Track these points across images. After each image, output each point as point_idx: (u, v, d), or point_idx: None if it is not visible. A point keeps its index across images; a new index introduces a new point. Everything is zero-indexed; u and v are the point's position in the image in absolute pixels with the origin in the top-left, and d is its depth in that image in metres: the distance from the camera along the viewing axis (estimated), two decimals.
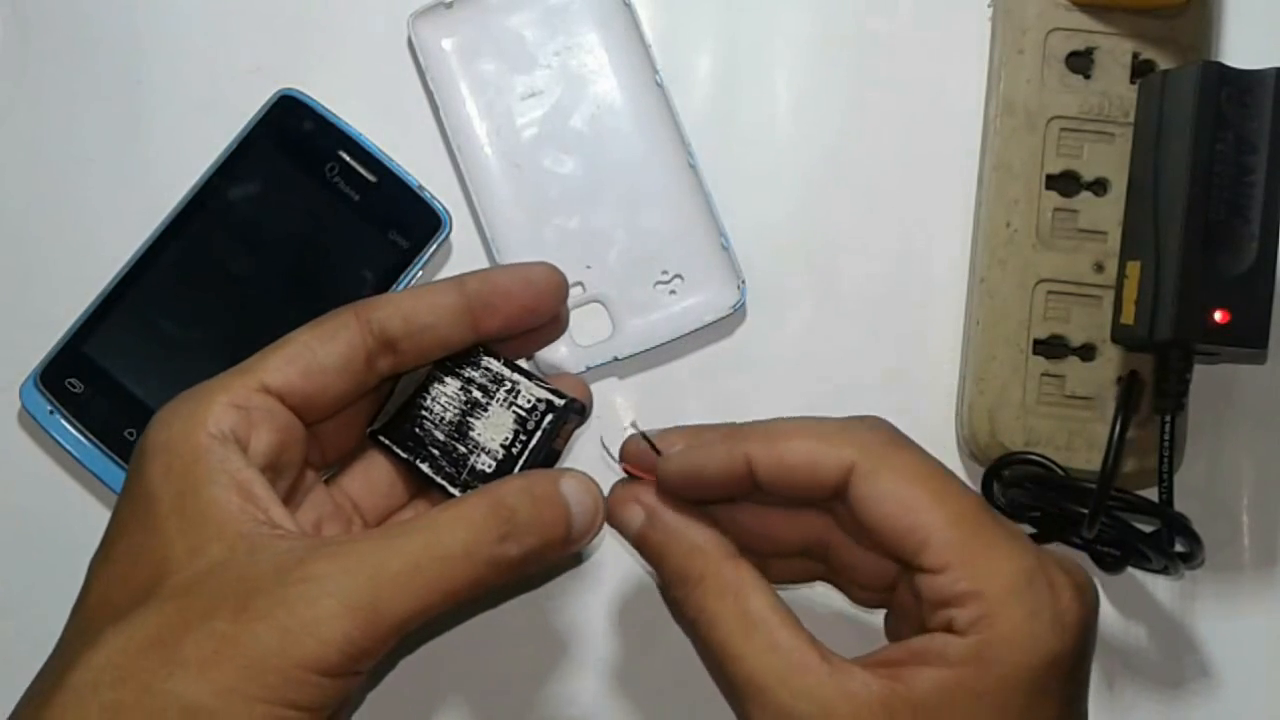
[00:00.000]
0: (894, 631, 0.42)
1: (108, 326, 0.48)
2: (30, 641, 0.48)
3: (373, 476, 0.42)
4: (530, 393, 0.40)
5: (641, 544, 0.40)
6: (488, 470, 0.40)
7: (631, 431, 0.41)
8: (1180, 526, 0.44)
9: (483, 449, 0.40)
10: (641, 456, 0.40)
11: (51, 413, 0.47)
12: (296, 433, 0.39)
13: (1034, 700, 0.35)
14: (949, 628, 0.36)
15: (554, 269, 0.41)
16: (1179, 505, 0.45)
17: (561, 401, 0.40)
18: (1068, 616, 0.36)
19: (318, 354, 0.38)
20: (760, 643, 0.36)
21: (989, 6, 0.51)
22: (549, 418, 0.40)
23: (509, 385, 0.40)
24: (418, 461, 0.40)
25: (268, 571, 0.34)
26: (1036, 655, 0.35)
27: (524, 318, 0.41)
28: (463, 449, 0.40)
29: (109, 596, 0.35)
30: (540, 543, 0.37)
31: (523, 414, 0.40)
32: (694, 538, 0.39)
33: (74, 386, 0.48)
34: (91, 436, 0.47)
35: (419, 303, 0.40)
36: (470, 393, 0.40)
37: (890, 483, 0.37)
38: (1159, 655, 0.49)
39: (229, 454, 0.36)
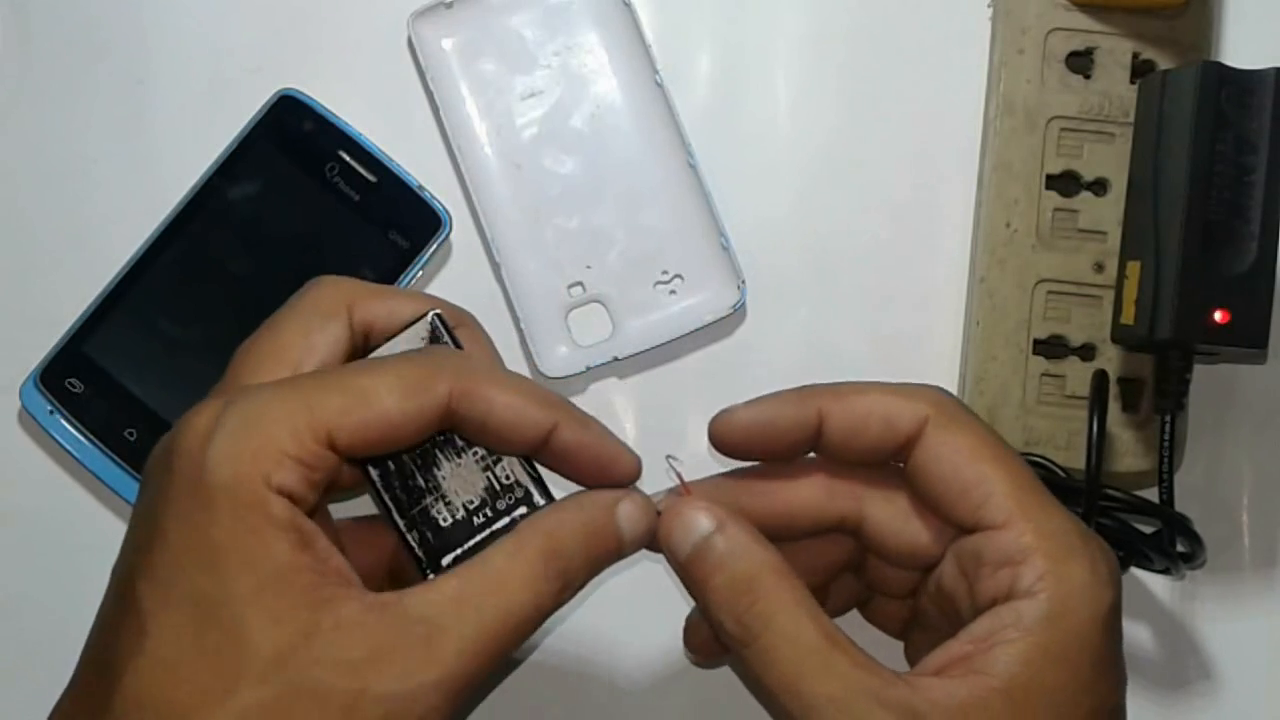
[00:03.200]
0: (918, 648, 0.42)
1: (108, 326, 0.48)
2: (31, 641, 0.48)
3: None
4: (512, 468, 0.38)
5: (703, 553, 0.37)
6: (440, 523, 0.37)
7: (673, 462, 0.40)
8: (1181, 527, 0.44)
9: (443, 497, 0.37)
10: (744, 431, 0.39)
11: (51, 413, 0.47)
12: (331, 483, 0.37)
13: (1100, 655, 0.36)
14: (1011, 591, 0.36)
15: (638, 468, 0.39)
16: (1179, 505, 0.45)
17: (542, 502, 0.38)
18: (1114, 568, 0.37)
19: (395, 428, 0.35)
20: (842, 659, 0.35)
21: (989, 6, 0.51)
22: (521, 511, 0.38)
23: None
24: (370, 465, 0.37)
25: (365, 661, 0.33)
26: (1101, 608, 0.36)
27: (576, 480, 0.39)
28: (420, 482, 0.37)
29: (182, 655, 0.33)
30: (590, 575, 0.37)
31: (495, 487, 0.38)
32: (764, 550, 0.38)
33: (74, 386, 0.48)
34: (91, 436, 0.47)
35: (504, 424, 0.36)
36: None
37: (961, 439, 0.38)
38: (1160, 655, 0.49)
39: (291, 510, 0.34)
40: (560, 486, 0.39)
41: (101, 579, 0.36)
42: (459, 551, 0.37)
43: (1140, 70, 0.49)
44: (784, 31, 0.51)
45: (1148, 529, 0.45)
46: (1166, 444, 0.45)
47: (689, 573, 0.38)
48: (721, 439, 0.39)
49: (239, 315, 0.48)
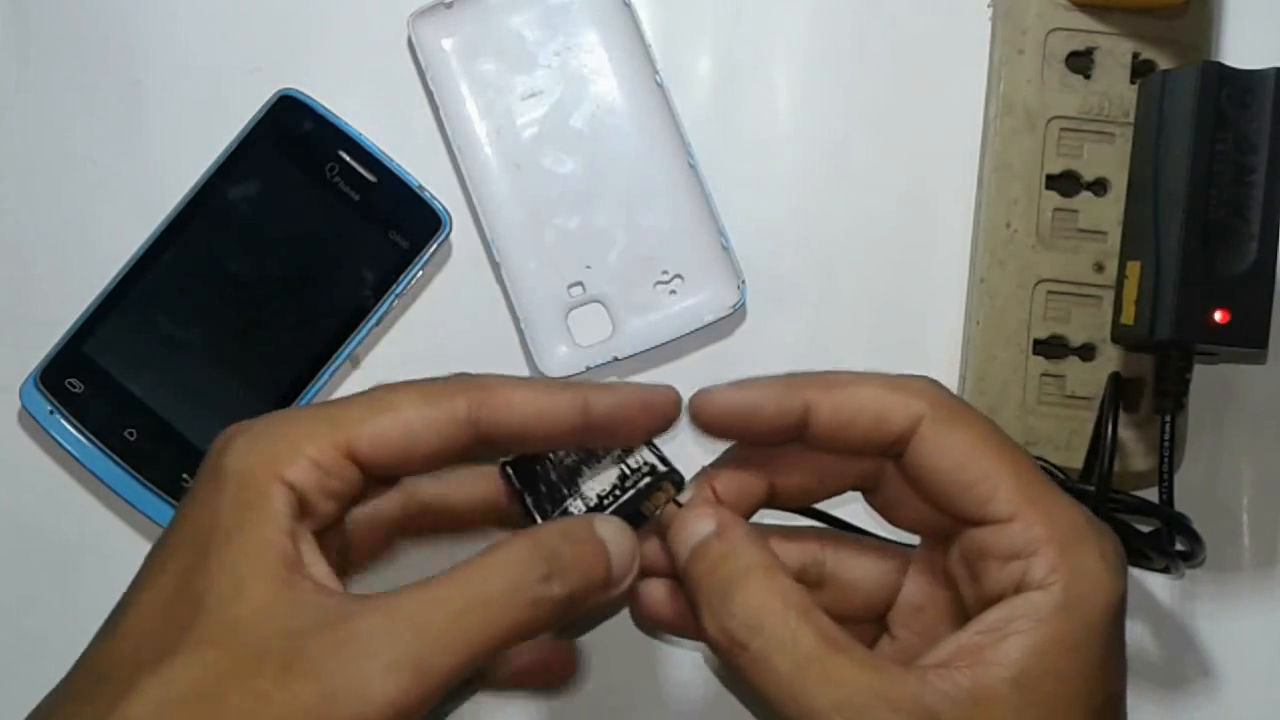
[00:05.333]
0: (902, 629, 0.41)
1: (108, 326, 0.48)
2: (31, 641, 0.48)
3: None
4: (641, 455, 0.39)
5: (698, 556, 0.37)
6: (575, 515, 0.39)
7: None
8: (1181, 526, 0.44)
9: (581, 495, 0.39)
10: (724, 412, 0.39)
11: (51, 413, 0.47)
12: (351, 501, 0.37)
13: (1109, 644, 0.36)
14: (1022, 584, 0.36)
15: (678, 397, 0.39)
16: (1179, 505, 0.45)
17: (664, 469, 0.39)
18: (1122, 557, 0.37)
19: (419, 440, 0.36)
20: (845, 663, 0.35)
21: (989, 6, 0.51)
22: (645, 480, 0.39)
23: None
24: (526, 494, 0.40)
25: (310, 627, 0.33)
26: (1113, 596, 0.36)
27: (632, 440, 0.39)
28: (565, 492, 0.39)
29: (147, 626, 0.34)
30: (583, 582, 0.36)
31: (626, 472, 0.39)
32: (765, 554, 0.37)
33: (74, 386, 0.47)
34: (91, 436, 0.47)
35: (536, 417, 0.37)
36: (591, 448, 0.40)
37: (962, 434, 0.37)
38: (1159, 655, 0.49)
39: (292, 507, 0.35)
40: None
41: (102, 579, 0.36)
42: None
43: (1140, 70, 0.49)
44: (784, 31, 0.51)
45: (1147, 528, 0.45)
46: (1166, 444, 0.45)
47: (685, 576, 0.38)
48: (700, 417, 0.39)
49: (239, 315, 0.48)
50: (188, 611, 0.33)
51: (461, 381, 0.37)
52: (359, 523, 0.40)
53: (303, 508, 0.35)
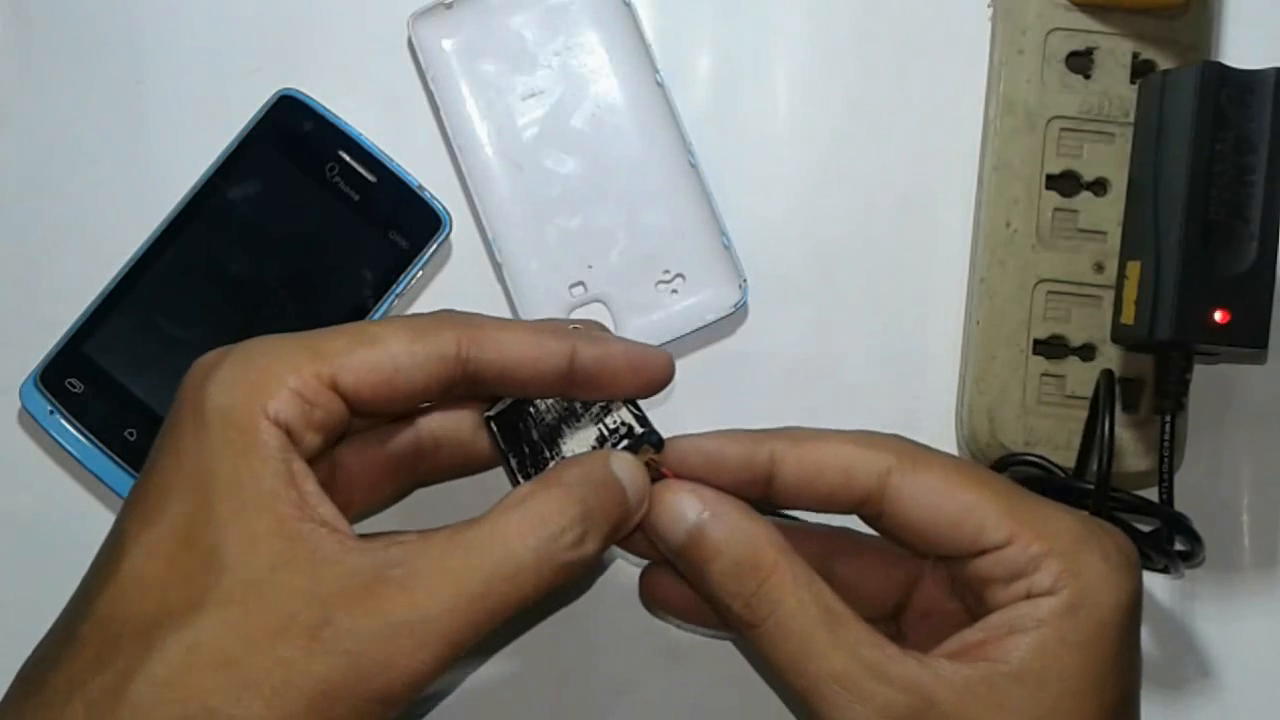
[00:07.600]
0: (911, 629, 0.41)
1: (108, 326, 0.48)
2: (31, 642, 0.48)
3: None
4: (618, 414, 0.39)
5: (697, 539, 0.37)
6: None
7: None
8: (1180, 526, 0.44)
9: (563, 458, 0.39)
10: (686, 461, 0.39)
11: (51, 413, 0.47)
12: (338, 434, 0.37)
13: (1123, 641, 0.36)
14: (1029, 596, 0.36)
15: (670, 361, 0.39)
16: (1179, 505, 0.45)
17: (641, 430, 0.39)
18: (1129, 554, 0.37)
19: (403, 373, 0.35)
20: (847, 636, 0.35)
21: (989, 6, 0.51)
22: (624, 443, 0.39)
23: (604, 402, 0.39)
24: (510, 455, 0.39)
25: (334, 594, 0.32)
26: (1123, 595, 0.36)
27: (616, 395, 0.39)
28: (547, 454, 0.39)
29: (156, 575, 0.33)
30: (611, 532, 0.36)
31: (605, 433, 0.39)
32: (763, 529, 0.37)
33: (74, 386, 0.47)
34: (91, 436, 0.47)
35: (523, 360, 0.37)
36: (571, 400, 0.39)
37: (933, 477, 0.37)
38: (1159, 655, 0.49)
39: (284, 443, 0.34)
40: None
41: None
42: None
43: (1140, 70, 0.49)
44: (784, 31, 0.51)
45: (1147, 528, 0.45)
46: (1166, 444, 0.45)
47: (685, 559, 0.37)
48: (664, 464, 0.38)
49: (239, 315, 0.48)
50: (201, 565, 0.33)
51: (450, 318, 0.37)
52: (365, 461, 0.39)
53: (294, 441, 0.34)
